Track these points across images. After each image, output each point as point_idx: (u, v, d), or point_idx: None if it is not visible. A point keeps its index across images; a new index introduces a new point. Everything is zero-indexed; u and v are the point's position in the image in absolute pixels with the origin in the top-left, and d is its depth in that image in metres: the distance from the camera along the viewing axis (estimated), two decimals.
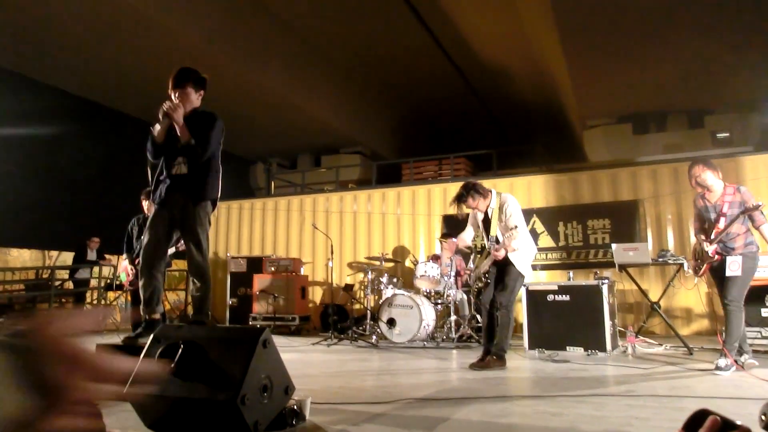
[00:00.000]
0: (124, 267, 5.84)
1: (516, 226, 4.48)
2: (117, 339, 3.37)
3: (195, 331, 2.52)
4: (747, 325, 5.37)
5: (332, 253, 7.32)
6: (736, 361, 4.18)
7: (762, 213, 4.27)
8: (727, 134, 10.96)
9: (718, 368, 4.06)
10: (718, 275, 4.40)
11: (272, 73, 10.25)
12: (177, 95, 3.51)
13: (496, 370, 4.33)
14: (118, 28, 8.35)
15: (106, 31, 8.45)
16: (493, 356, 4.45)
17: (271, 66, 10.14)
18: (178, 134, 3.47)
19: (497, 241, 4.62)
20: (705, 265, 4.44)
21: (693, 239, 7.71)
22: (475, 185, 4.72)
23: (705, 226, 4.50)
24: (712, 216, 4.42)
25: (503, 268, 4.61)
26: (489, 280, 4.88)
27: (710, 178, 4.38)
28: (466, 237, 5.04)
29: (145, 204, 5.64)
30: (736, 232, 4.29)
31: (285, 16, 9.41)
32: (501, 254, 4.50)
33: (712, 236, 4.33)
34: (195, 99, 3.61)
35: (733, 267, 4.26)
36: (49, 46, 8.86)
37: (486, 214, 4.76)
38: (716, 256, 4.32)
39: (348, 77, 11.81)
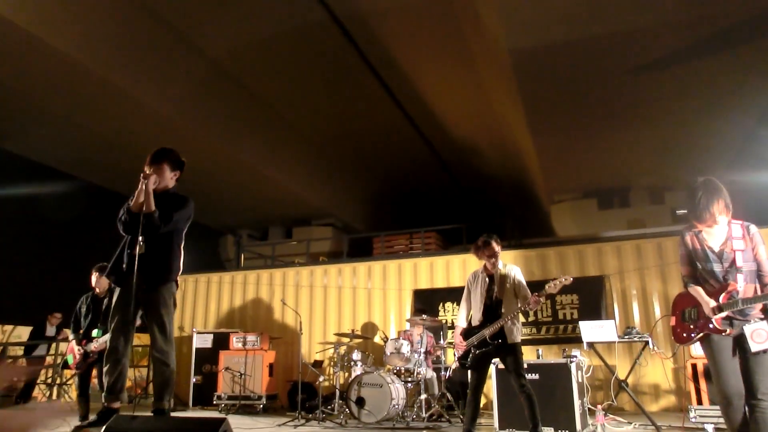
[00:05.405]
0: (70, 348, 5.49)
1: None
2: (67, 428, 3.21)
3: (151, 423, 2.43)
4: (710, 403, 5.37)
5: (301, 328, 7.20)
6: None
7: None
8: (686, 211, 11.40)
9: None
10: (720, 351, 2.96)
11: (244, 144, 10.35)
12: (152, 171, 3.48)
13: None
14: (84, 96, 8.24)
15: (74, 98, 8.31)
16: None
17: (244, 138, 10.25)
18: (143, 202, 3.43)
19: (495, 306, 4.50)
20: (699, 334, 3.03)
21: (656, 303, 7.97)
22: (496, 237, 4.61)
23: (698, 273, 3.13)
24: (716, 268, 3.03)
25: (506, 349, 4.45)
26: (467, 363, 4.60)
27: (722, 209, 3.06)
28: (466, 317, 4.77)
29: (93, 278, 5.46)
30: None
31: (258, 91, 9.64)
32: (541, 302, 4.39)
33: (721, 300, 2.95)
34: (169, 178, 3.59)
35: (760, 338, 2.86)
36: (13, 112, 8.67)
37: (491, 277, 4.61)
38: (727, 329, 2.93)
39: (321, 150, 12.05)
